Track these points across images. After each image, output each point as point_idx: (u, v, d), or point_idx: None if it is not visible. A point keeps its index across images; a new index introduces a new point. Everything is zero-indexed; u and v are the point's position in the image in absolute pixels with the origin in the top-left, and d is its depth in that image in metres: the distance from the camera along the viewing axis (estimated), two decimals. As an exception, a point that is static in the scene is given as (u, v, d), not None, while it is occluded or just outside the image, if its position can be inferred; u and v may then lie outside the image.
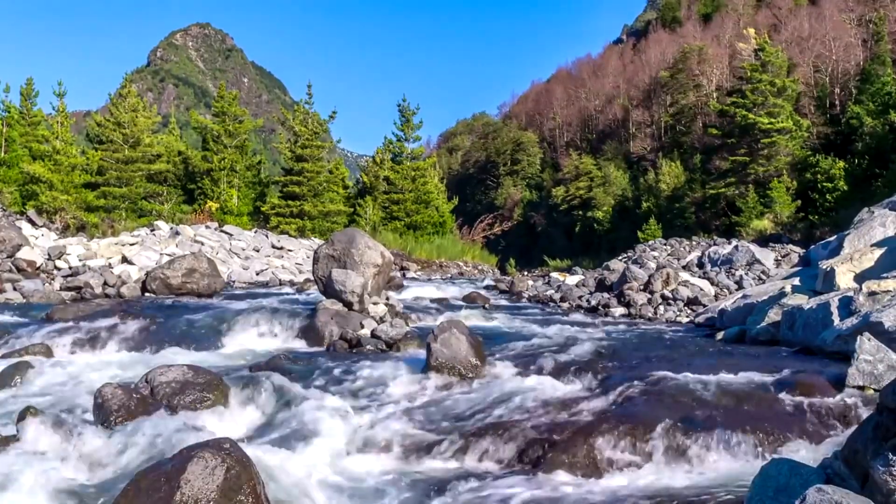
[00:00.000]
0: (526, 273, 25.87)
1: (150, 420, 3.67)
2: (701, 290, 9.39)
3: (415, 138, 30.58)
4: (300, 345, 6.63)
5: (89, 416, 3.83)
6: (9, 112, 24.82)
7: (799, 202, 26.80)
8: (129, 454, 3.31)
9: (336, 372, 5.15)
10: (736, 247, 11.86)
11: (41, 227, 17.08)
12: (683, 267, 11.69)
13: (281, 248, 18.40)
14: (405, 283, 14.15)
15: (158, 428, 3.54)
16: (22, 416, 3.56)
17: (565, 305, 10.51)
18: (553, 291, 11.79)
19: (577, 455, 3.39)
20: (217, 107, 27.33)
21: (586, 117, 62.09)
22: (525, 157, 63.31)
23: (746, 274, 10.10)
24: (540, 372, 5.06)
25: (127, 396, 3.83)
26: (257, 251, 17.07)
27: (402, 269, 21.33)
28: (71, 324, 6.71)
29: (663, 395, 4.05)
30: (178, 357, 5.78)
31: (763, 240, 20.75)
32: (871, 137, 25.63)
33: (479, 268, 26.04)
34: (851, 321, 5.04)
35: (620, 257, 15.68)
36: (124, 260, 12.63)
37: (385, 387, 4.79)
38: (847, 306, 5.46)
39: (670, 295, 9.28)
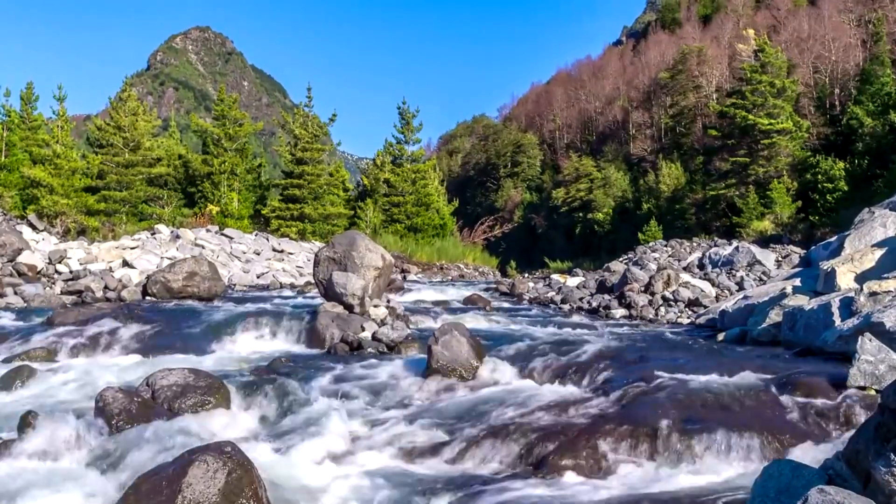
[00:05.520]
0: (527, 275, 25.76)
1: (151, 423, 3.67)
2: (702, 291, 9.39)
3: (415, 141, 30.60)
4: (301, 347, 6.65)
5: (91, 420, 3.83)
6: (9, 116, 24.86)
7: (799, 203, 26.78)
8: (130, 458, 3.31)
9: (337, 374, 5.16)
10: (736, 248, 11.86)
11: (42, 231, 17.10)
12: (684, 268, 11.69)
13: (281, 251, 18.39)
14: (406, 285, 14.15)
15: (159, 431, 3.55)
16: (23, 420, 3.57)
17: (566, 307, 10.50)
18: (554, 293, 11.79)
19: (579, 457, 3.39)
20: (217, 110, 27.34)
21: (586, 119, 62.09)
22: (525, 159, 63.27)
23: (747, 275, 10.10)
24: (541, 374, 5.06)
25: (128, 400, 3.83)
26: (258, 254, 17.07)
27: (403, 271, 21.32)
28: (72, 328, 6.72)
29: (665, 397, 4.04)
30: (179, 360, 5.78)
31: (764, 241, 20.72)
32: (871, 138, 25.64)
33: (480, 270, 26.03)
34: (852, 321, 5.03)
35: (621, 259, 15.68)
36: (125, 264, 12.63)
37: (386, 389, 4.79)
38: (848, 307, 5.45)
39: (671, 296, 9.28)
